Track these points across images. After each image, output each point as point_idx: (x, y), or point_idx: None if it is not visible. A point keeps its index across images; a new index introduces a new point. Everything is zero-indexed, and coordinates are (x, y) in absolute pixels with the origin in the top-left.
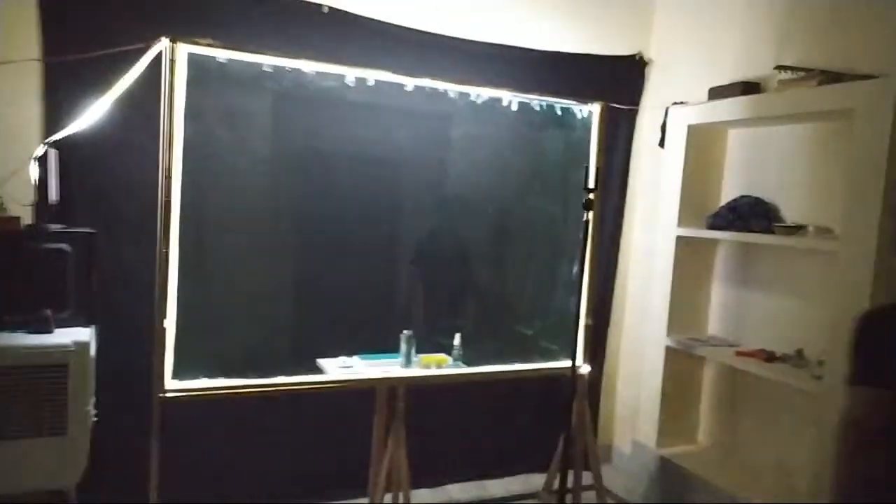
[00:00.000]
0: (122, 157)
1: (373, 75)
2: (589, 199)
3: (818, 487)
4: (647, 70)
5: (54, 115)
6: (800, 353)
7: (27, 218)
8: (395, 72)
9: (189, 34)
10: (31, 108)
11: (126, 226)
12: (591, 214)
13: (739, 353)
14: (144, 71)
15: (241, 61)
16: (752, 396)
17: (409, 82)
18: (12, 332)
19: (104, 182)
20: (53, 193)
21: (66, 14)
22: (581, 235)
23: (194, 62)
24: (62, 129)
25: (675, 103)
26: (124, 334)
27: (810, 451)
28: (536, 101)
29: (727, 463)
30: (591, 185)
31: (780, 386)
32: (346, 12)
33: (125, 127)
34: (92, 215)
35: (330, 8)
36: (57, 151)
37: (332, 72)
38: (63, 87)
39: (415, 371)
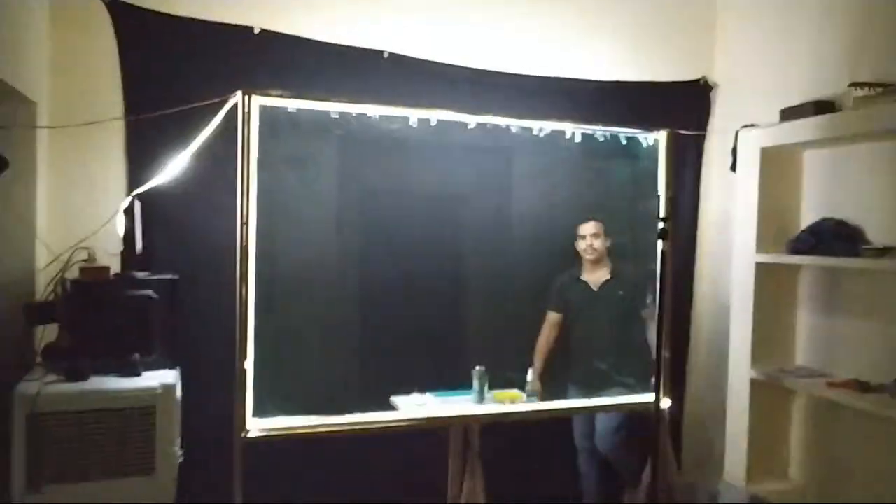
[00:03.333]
0: (199, 206)
1: (434, 115)
2: (663, 228)
3: None
4: (712, 94)
5: (137, 169)
6: None
7: (115, 267)
8: (455, 111)
9: (260, 87)
10: (117, 163)
11: (205, 272)
12: (665, 244)
13: (831, 384)
14: (220, 124)
15: (310, 110)
16: (846, 430)
17: (470, 119)
18: (104, 376)
19: (184, 231)
20: (138, 243)
21: (148, 74)
22: (655, 266)
23: (266, 113)
24: (145, 182)
25: (745, 126)
26: (207, 376)
27: None
28: (600, 131)
29: (821, 499)
30: (663, 213)
31: (876, 418)
32: (405, 56)
33: (203, 178)
34: (173, 263)
35: (390, 54)
36: (140, 203)
37: (394, 114)
38: (145, 144)
39: (489, 408)
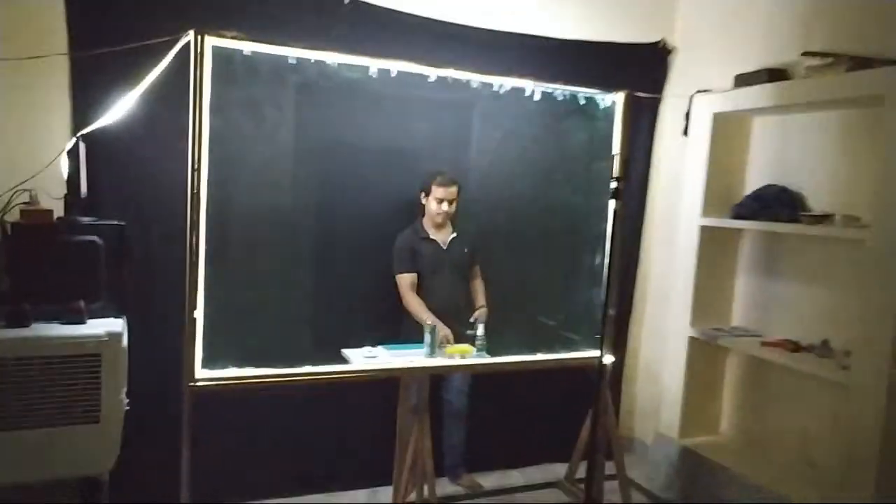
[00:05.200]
0: (150, 150)
1: (395, 66)
2: (616, 188)
3: (842, 478)
4: (670, 58)
5: (83, 109)
6: (825, 343)
7: (58, 211)
8: (417, 62)
9: (214, 27)
10: (61, 102)
11: (155, 219)
12: (617, 204)
13: (764, 344)
14: (171, 64)
15: (267, 55)
16: (777, 387)
17: (432, 72)
18: (47, 322)
19: (134, 175)
20: (83, 187)
21: (92, 8)
22: (605, 226)
23: (221, 55)
24: (91, 123)
25: (700, 91)
26: (156, 325)
27: (834, 442)
28: (560, 90)
29: (751, 453)
30: (617, 174)
31: (805, 376)
32: (368, 3)
33: (153, 121)
34: (122, 209)
35: (351, 1)
36: (85, 145)
37: (354, 63)
38: (91, 82)
39: (438, 361)
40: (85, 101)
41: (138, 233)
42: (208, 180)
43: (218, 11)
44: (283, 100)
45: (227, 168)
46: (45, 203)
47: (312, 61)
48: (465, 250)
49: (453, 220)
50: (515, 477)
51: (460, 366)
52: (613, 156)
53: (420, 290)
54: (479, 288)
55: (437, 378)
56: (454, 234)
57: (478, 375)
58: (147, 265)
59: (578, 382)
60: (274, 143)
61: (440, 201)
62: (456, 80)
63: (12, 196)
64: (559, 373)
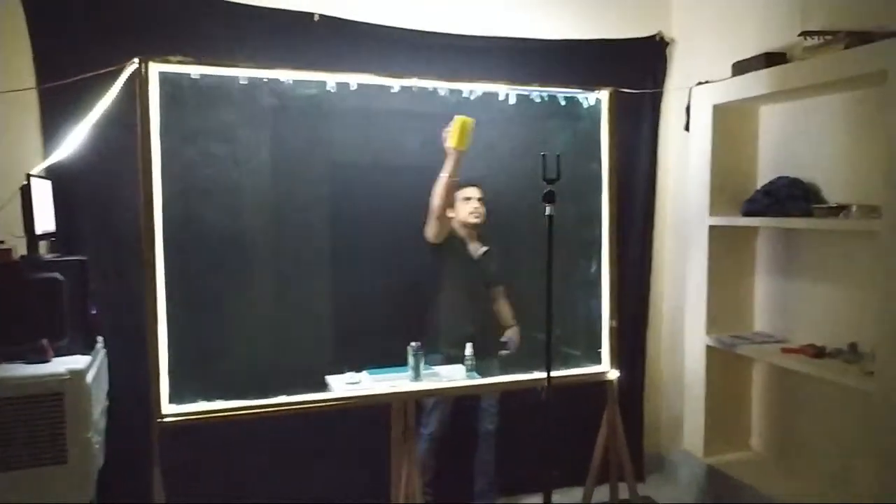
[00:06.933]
0: (116, 182)
1: (355, 79)
2: (550, 190)
3: (882, 494)
4: (669, 50)
5: (54, 145)
6: (853, 346)
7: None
8: (378, 74)
9: (174, 51)
10: (32, 139)
11: (124, 251)
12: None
13: (785, 350)
14: (125, 93)
15: (223, 76)
16: (805, 397)
17: (394, 83)
18: (10, 363)
19: (102, 209)
20: (49, 223)
21: (57, 42)
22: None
23: (183, 82)
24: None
25: (700, 83)
26: (128, 360)
27: (868, 454)
28: (536, 92)
29: (781, 470)
30: (607, 178)
31: (832, 384)
32: (338, 18)
33: (119, 151)
34: (92, 242)
35: (321, 16)
36: (50, 181)
37: (311, 79)
38: (60, 117)
39: (424, 385)
40: (55, 137)
41: (112, 267)
42: (171, 208)
43: (188, 36)
44: (239, 120)
45: (190, 195)
46: (12, 243)
47: (265, 80)
48: (493, 267)
49: (481, 234)
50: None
51: (446, 388)
52: (543, 155)
53: (446, 297)
54: (505, 307)
55: (465, 400)
56: (485, 248)
57: (502, 397)
58: (117, 298)
59: (601, 400)
60: (238, 166)
61: (468, 199)
62: (447, 91)
63: None
64: (572, 391)
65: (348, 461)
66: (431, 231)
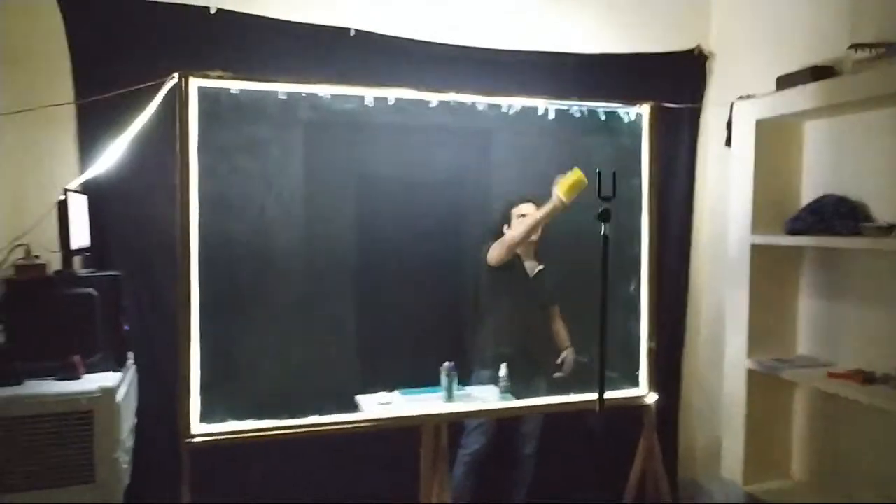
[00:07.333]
0: (150, 197)
1: (394, 94)
2: (606, 209)
3: None
4: (708, 64)
5: (89, 159)
6: None
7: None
8: (417, 88)
9: (215, 67)
10: (69, 153)
11: (160, 267)
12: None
13: (832, 375)
14: (164, 109)
15: (265, 92)
16: (851, 424)
17: (432, 97)
18: (42, 379)
19: (135, 224)
20: (84, 238)
21: (97, 57)
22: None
23: (222, 97)
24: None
25: (742, 97)
26: (158, 378)
27: None
28: (575, 107)
29: (823, 499)
30: (647, 194)
31: (881, 412)
32: (374, 33)
33: (154, 166)
34: (128, 258)
35: (357, 31)
36: (86, 196)
37: (350, 94)
38: (97, 133)
39: (457, 406)
40: (93, 153)
41: (147, 284)
42: (206, 225)
43: (230, 52)
44: (281, 135)
45: (229, 210)
46: (47, 258)
47: (304, 95)
48: (547, 287)
49: (538, 252)
50: None
51: (480, 411)
52: (599, 171)
53: (492, 317)
54: (562, 328)
55: (505, 422)
56: (541, 267)
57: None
58: (151, 315)
59: (634, 422)
60: (280, 180)
61: (524, 216)
62: (486, 106)
63: (10, 253)
64: (609, 414)
65: (379, 482)
66: (498, 257)
